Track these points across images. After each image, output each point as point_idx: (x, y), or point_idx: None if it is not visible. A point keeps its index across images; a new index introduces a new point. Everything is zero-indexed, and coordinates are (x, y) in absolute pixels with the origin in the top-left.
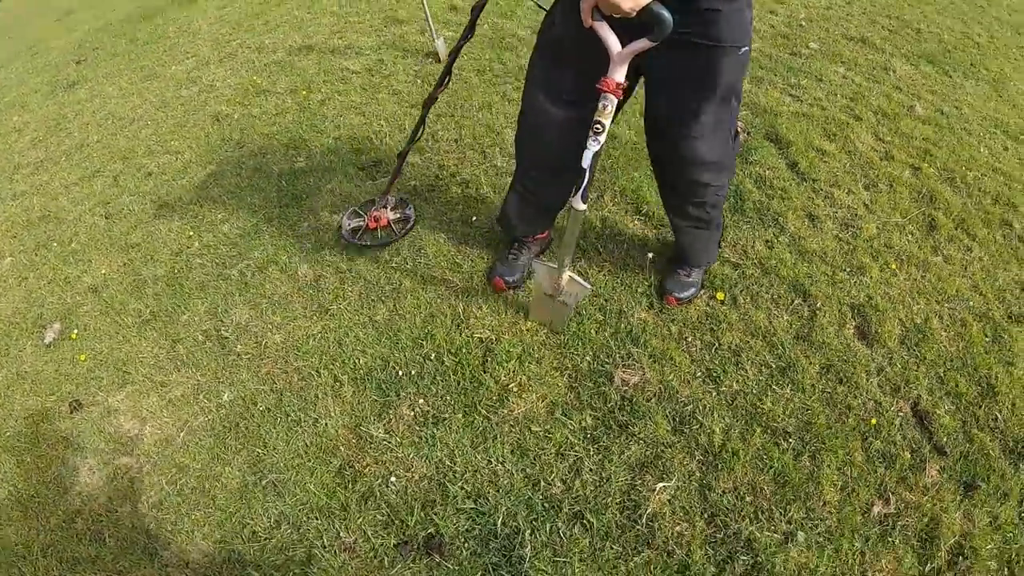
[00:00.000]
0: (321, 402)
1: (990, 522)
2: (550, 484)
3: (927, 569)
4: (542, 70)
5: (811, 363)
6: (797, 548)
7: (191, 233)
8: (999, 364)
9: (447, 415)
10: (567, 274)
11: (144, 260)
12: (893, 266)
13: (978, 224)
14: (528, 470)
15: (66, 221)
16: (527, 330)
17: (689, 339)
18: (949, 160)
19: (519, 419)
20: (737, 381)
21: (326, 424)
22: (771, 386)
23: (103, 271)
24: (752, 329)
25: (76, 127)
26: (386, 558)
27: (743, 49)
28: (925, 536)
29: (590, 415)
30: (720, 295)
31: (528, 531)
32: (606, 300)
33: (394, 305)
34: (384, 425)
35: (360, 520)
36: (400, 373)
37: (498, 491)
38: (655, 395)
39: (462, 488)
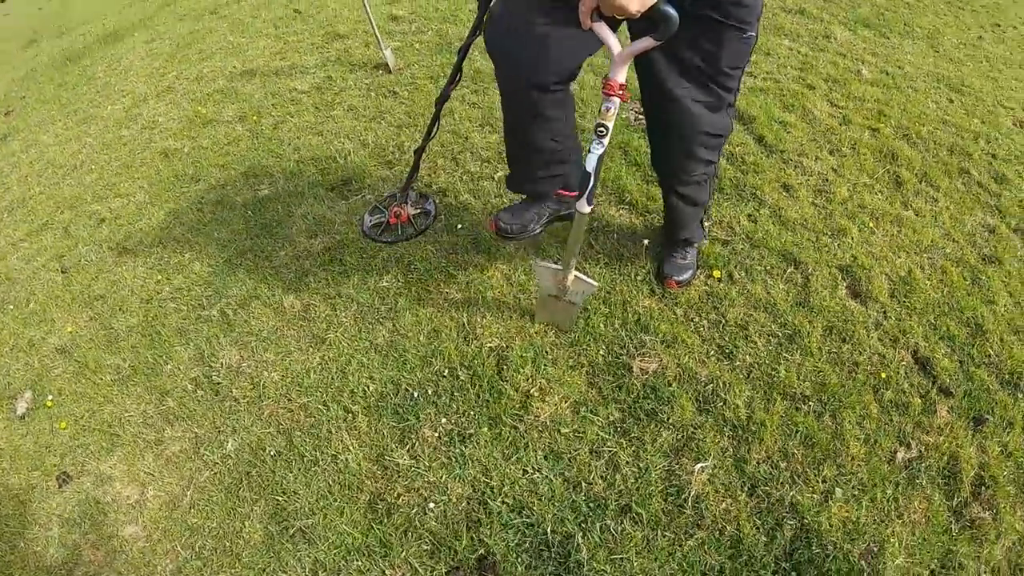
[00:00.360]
0: (336, 437)
1: (1001, 451)
2: (591, 483)
3: (954, 503)
4: None
5: (814, 327)
6: (837, 504)
7: (159, 277)
8: (982, 304)
9: (472, 430)
10: (572, 274)
11: (112, 312)
12: (870, 225)
13: (939, 175)
14: (566, 473)
15: (19, 281)
16: (536, 332)
17: (696, 320)
18: (902, 118)
19: (546, 423)
20: (749, 354)
21: (346, 459)
22: (781, 354)
23: (69, 329)
24: (753, 302)
25: (14, 180)
26: None
27: (748, 33)
28: (948, 473)
29: (616, 408)
30: (716, 273)
31: (580, 534)
32: (608, 292)
33: (393, 325)
34: (408, 451)
35: (404, 553)
36: (415, 394)
37: (541, 499)
38: (675, 379)
39: (504, 503)
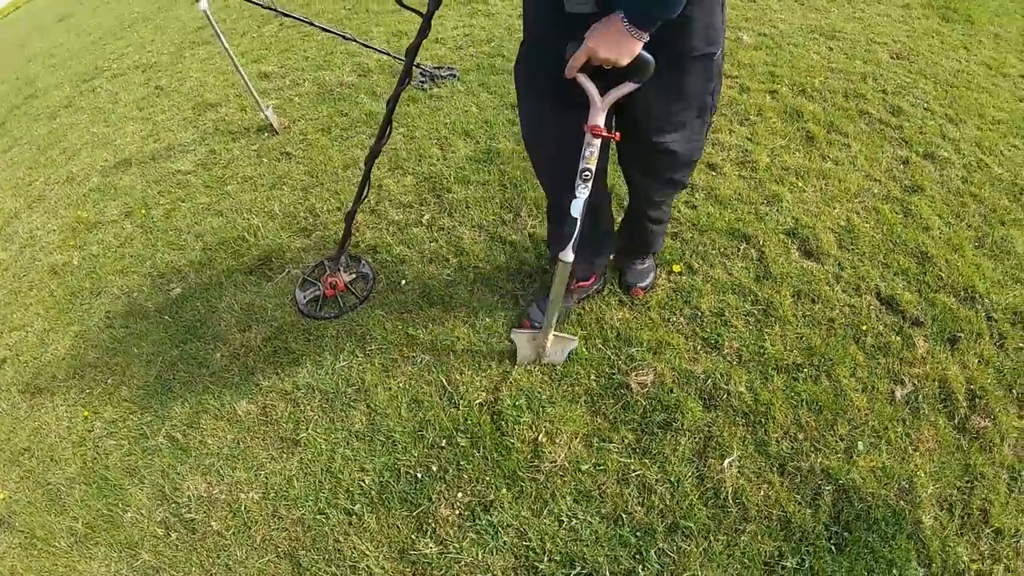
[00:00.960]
0: (346, 545)
1: (980, 361)
2: (630, 513)
3: (957, 421)
4: (526, 99)
5: (783, 296)
6: (861, 456)
7: (86, 413)
8: (919, 232)
9: (492, 496)
10: (552, 334)
11: (44, 465)
12: (799, 184)
13: (844, 122)
14: (602, 510)
15: None
16: (520, 375)
17: (673, 319)
18: (793, 75)
19: (565, 466)
20: (734, 339)
21: (367, 567)
22: (763, 330)
23: (1, 496)
24: (720, 287)
25: None
26: None
27: (717, 54)
28: (943, 396)
29: (627, 430)
30: (676, 267)
31: (639, 567)
32: (580, 314)
33: (368, 406)
34: (432, 538)
35: None
36: (418, 475)
37: (588, 545)
38: (674, 383)
39: (552, 560)
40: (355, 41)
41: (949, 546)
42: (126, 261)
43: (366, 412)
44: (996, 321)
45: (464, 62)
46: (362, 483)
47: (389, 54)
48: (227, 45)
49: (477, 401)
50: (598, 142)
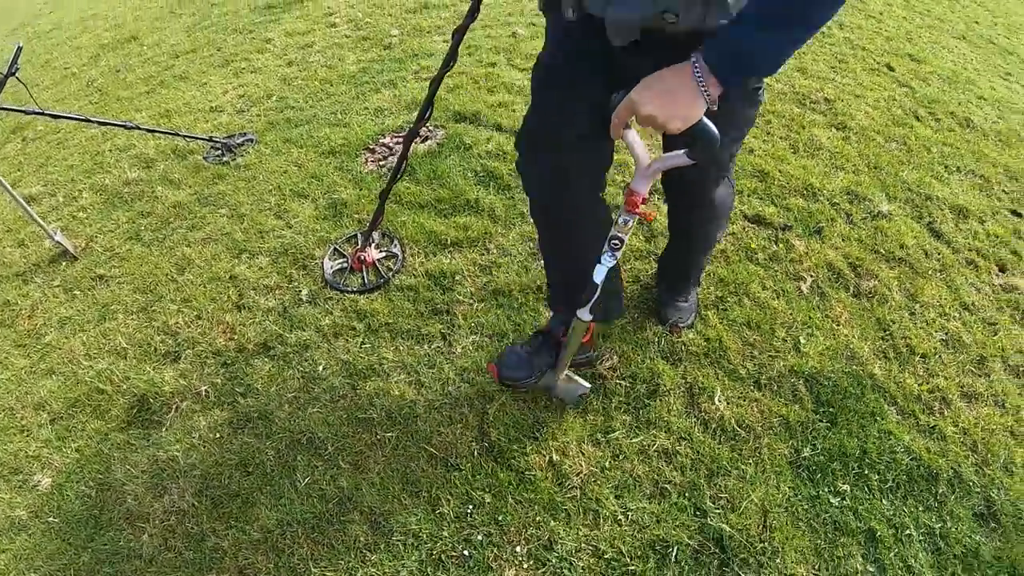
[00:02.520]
0: None
1: (843, 239)
2: (670, 481)
3: (853, 290)
4: (537, 97)
5: None
6: (806, 347)
7: None
8: (745, 155)
9: (546, 535)
10: (563, 374)
11: None
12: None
13: None
14: (646, 491)
15: None
16: (496, 413)
17: None
18: None
19: (592, 472)
20: (654, 299)
21: None
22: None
23: None
24: (622, 257)
25: None
26: None
27: (761, 92)
28: (834, 277)
29: (623, 413)
30: None
31: (706, 518)
32: (519, 325)
33: (361, 513)
34: None
35: None
36: (464, 552)
37: (653, 528)
38: (637, 357)
39: (635, 557)
40: (141, 129)
41: (899, 382)
42: None
43: (363, 519)
44: (839, 204)
45: (255, 123)
46: None
47: (179, 134)
48: None
49: (473, 451)
50: (638, 216)
